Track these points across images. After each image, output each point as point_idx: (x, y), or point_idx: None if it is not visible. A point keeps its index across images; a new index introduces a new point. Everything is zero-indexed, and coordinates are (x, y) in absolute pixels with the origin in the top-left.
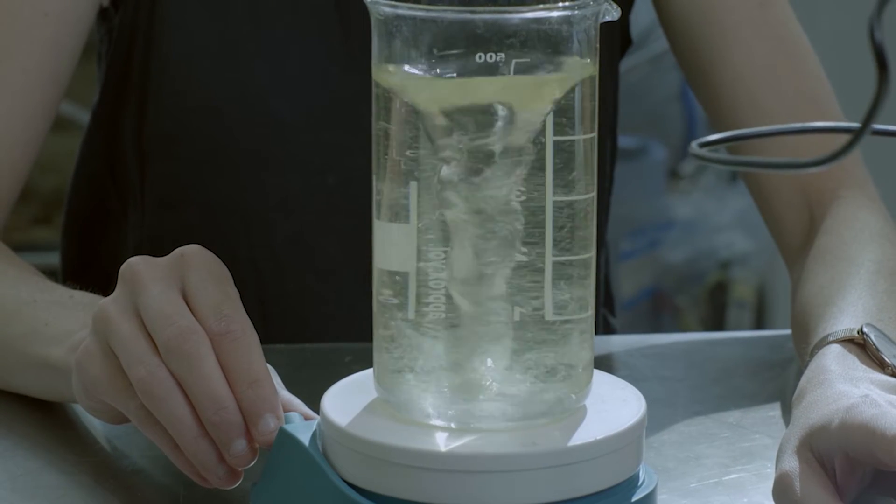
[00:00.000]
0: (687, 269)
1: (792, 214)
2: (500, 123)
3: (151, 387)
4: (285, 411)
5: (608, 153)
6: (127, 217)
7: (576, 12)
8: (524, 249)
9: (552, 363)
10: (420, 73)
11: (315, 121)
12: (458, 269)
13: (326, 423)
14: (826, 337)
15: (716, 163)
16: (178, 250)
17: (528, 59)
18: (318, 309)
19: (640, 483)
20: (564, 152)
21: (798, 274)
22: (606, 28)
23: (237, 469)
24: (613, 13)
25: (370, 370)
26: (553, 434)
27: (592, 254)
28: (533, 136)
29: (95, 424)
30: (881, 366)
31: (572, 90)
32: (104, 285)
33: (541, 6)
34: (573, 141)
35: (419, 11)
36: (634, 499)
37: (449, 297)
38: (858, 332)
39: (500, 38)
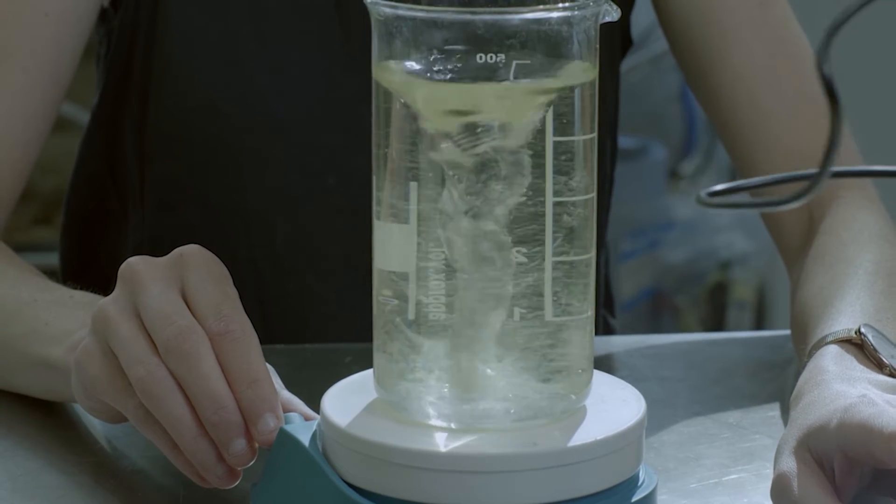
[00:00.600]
0: (687, 270)
1: (791, 215)
2: (500, 125)
3: (150, 386)
4: (286, 411)
5: (608, 154)
6: (126, 217)
7: (575, 13)
8: (524, 250)
9: (552, 363)
10: (420, 73)
11: (315, 121)
12: (458, 269)
13: (326, 423)
14: (824, 337)
15: (715, 206)
16: (177, 250)
17: (529, 60)
18: (318, 309)
19: (639, 483)
20: (564, 153)
21: (797, 274)
22: (607, 28)
23: (236, 469)
24: (613, 14)
25: (370, 371)
26: (553, 434)
27: (592, 254)
28: (533, 136)
29: (95, 425)
30: (879, 366)
31: (572, 91)
32: (104, 285)
33: (541, 7)
34: (573, 141)
35: (419, 12)
36: (634, 499)
37: (448, 297)
38: (856, 333)
39: (500, 38)
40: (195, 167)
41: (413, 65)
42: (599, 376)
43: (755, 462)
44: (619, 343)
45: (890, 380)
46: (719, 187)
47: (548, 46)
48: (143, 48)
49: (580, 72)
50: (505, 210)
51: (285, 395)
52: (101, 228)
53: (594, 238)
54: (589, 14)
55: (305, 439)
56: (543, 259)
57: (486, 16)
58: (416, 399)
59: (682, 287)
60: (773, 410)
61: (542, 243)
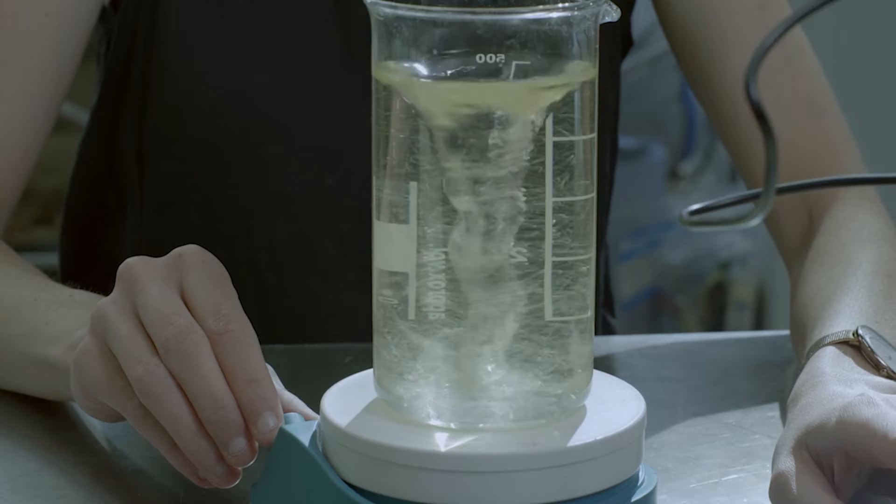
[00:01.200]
0: (687, 270)
1: (791, 215)
2: (499, 125)
3: (150, 386)
4: (286, 411)
5: (608, 154)
6: (126, 217)
7: (575, 13)
8: (524, 250)
9: (552, 363)
10: (420, 74)
11: (315, 121)
12: (457, 269)
13: (326, 423)
14: (822, 339)
15: (697, 225)
16: (176, 250)
17: (528, 61)
18: (318, 309)
19: (639, 483)
20: (564, 153)
21: (797, 274)
22: (608, 29)
23: (236, 468)
24: (613, 14)
25: (370, 371)
26: (553, 434)
27: (592, 254)
28: (533, 137)
29: (95, 425)
30: (876, 368)
31: (572, 91)
32: (103, 285)
33: (540, 7)
34: (573, 142)
35: (419, 12)
36: (634, 499)
37: (449, 297)
38: (854, 335)
39: (499, 39)
40: (194, 167)
41: (413, 65)
42: (599, 376)
43: (755, 462)
44: (618, 343)
45: (887, 381)
46: (698, 206)
47: (547, 47)
48: (143, 48)
49: (580, 72)
50: (504, 209)
51: (286, 395)
52: (100, 228)
53: (594, 238)
54: (589, 14)
55: (305, 439)
56: (543, 259)
57: (485, 16)
58: (416, 399)
59: (681, 287)
60: (773, 410)
61: (542, 243)
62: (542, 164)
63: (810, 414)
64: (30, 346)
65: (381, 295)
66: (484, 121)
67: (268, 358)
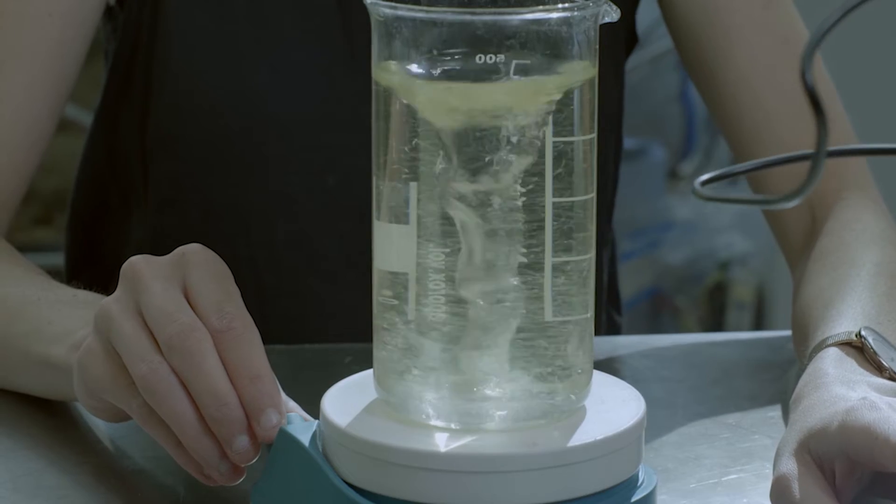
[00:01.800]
0: (686, 270)
1: (794, 215)
2: (499, 126)
3: (153, 384)
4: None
5: (612, 152)
6: (129, 215)
7: (575, 14)
8: (524, 250)
9: (552, 364)
10: (420, 74)
11: (316, 121)
12: (457, 269)
13: (326, 423)
14: (824, 340)
15: (712, 200)
16: (179, 249)
17: (528, 61)
18: (318, 309)
19: (639, 483)
20: (564, 153)
21: (799, 275)
22: (613, 26)
23: (240, 465)
24: (613, 14)
25: (370, 371)
26: (553, 434)
27: (592, 255)
28: (532, 137)
29: (97, 425)
30: (879, 369)
31: (572, 92)
32: (107, 283)
33: (540, 7)
34: (573, 142)
35: (419, 13)
36: (634, 499)
37: (448, 297)
38: (857, 336)
39: (499, 39)
40: (196, 166)
41: (413, 65)
42: (599, 376)
43: (755, 462)
44: (618, 343)
45: (889, 383)
46: (711, 175)
47: (547, 47)
48: (145, 47)
49: (580, 72)
50: (504, 210)
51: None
52: (104, 226)
53: (594, 238)
54: (588, 15)
55: (305, 439)
56: (543, 259)
57: (485, 16)
58: (416, 399)
59: (681, 287)
60: (773, 411)
61: (542, 243)
62: (542, 164)
63: (812, 416)
64: (32, 346)
65: (381, 295)
66: (484, 122)
67: (267, 357)
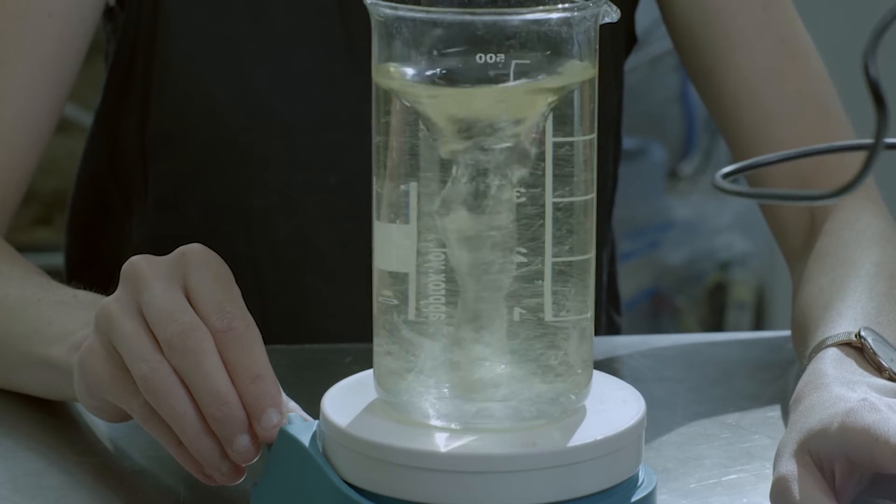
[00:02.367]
0: (686, 270)
1: (794, 215)
2: (499, 127)
3: (154, 383)
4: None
5: (612, 152)
6: (129, 215)
7: (575, 14)
8: (523, 250)
9: (552, 364)
10: (420, 75)
11: (317, 121)
12: (457, 270)
13: (327, 423)
14: (824, 340)
15: (737, 195)
16: (179, 249)
17: (528, 61)
18: (319, 309)
19: (639, 483)
20: (564, 154)
21: (799, 275)
22: (612, 26)
23: (241, 465)
24: (613, 15)
25: (370, 371)
26: (553, 434)
27: (592, 255)
28: (532, 138)
29: (97, 424)
30: (878, 370)
31: (572, 92)
32: (106, 283)
33: (540, 8)
34: (573, 142)
35: (419, 13)
36: (634, 499)
37: (448, 297)
38: (856, 336)
39: (499, 39)
40: (196, 166)
41: (413, 66)
42: (599, 376)
43: (754, 462)
44: (618, 343)
45: (889, 384)
46: (731, 168)
47: (547, 47)
48: (145, 47)
49: (580, 72)
50: (504, 210)
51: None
52: (104, 226)
53: (594, 238)
54: (588, 15)
55: (305, 439)
56: (543, 259)
57: (485, 17)
58: (416, 399)
59: (681, 288)
60: (773, 411)
61: (542, 243)
62: (542, 164)
63: (812, 417)
64: (32, 346)
65: (381, 295)
66: (484, 123)
67: (268, 357)
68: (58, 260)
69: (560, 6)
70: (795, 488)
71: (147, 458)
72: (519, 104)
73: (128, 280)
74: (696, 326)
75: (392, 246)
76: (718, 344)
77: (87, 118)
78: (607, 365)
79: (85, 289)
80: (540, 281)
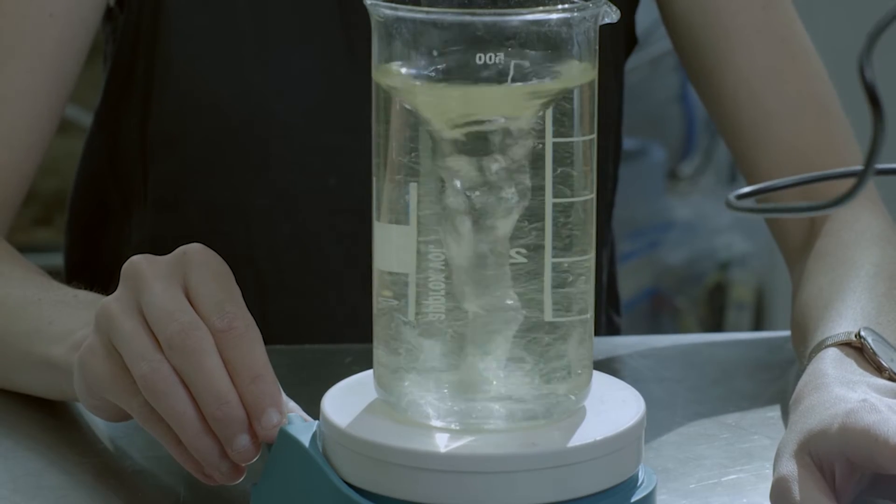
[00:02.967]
0: (686, 271)
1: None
2: (499, 126)
3: (154, 383)
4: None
5: (612, 152)
6: (129, 215)
7: (575, 14)
8: (523, 251)
9: (551, 364)
10: (420, 75)
11: (317, 122)
12: (457, 270)
13: (327, 423)
14: (824, 340)
15: (747, 211)
16: (180, 249)
17: (528, 62)
18: (319, 309)
19: (639, 484)
20: (564, 154)
21: (799, 275)
22: (612, 27)
23: (240, 465)
24: (613, 15)
25: (370, 371)
26: (552, 435)
27: (592, 255)
28: (532, 137)
29: (97, 424)
30: (878, 370)
31: (572, 92)
32: (106, 283)
33: (540, 8)
34: (572, 143)
35: (419, 13)
36: (634, 499)
37: (448, 298)
38: (856, 336)
39: (499, 40)
40: (196, 167)
41: (413, 66)
42: (599, 377)
43: (754, 462)
44: (618, 343)
45: (889, 384)
46: (746, 190)
47: (547, 48)
48: (146, 48)
49: (580, 73)
50: (504, 210)
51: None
52: (103, 226)
53: (594, 239)
54: (588, 15)
55: (305, 440)
56: (543, 260)
57: (485, 17)
58: (416, 399)
59: (681, 288)
60: (773, 411)
61: (542, 244)
62: (542, 164)
63: (812, 418)
64: (33, 346)
65: (381, 296)
66: (483, 123)
67: (268, 357)
68: (58, 260)
69: (560, 7)
70: (795, 489)
71: (147, 458)
72: (519, 105)
73: (128, 279)
74: (695, 327)
75: (392, 246)
76: (718, 344)
77: (87, 118)
78: (607, 365)
79: (85, 289)
80: (540, 281)
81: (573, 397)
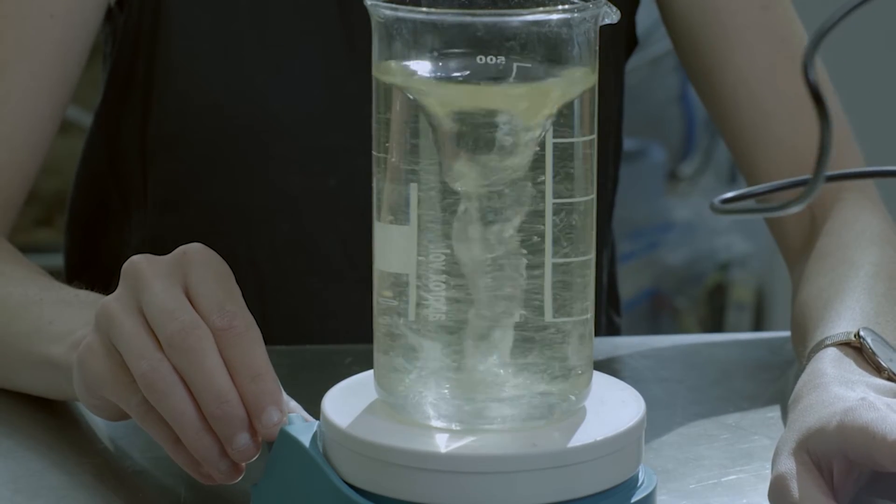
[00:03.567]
0: (686, 271)
1: (793, 216)
2: (499, 128)
3: (154, 381)
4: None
5: (612, 153)
6: (129, 216)
7: (575, 15)
8: (524, 251)
9: (552, 365)
10: (420, 76)
11: (317, 122)
12: (457, 270)
13: (327, 424)
14: (823, 340)
15: (730, 213)
16: (180, 248)
17: (529, 62)
18: (319, 309)
19: (639, 484)
20: (564, 154)
21: (798, 275)
22: (613, 28)
23: (240, 464)
24: (613, 16)
25: (370, 372)
26: (553, 435)
27: (592, 255)
28: (533, 138)
29: (97, 425)
30: (877, 370)
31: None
32: (107, 283)
33: (540, 9)
34: (572, 143)
35: (419, 14)
36: (634, 500)
37: (449, 298)
38: (855, 336)
39: (500, 40)
40: (197, 167)
41: (413, 67)
42: (599, 377)
43: (754, 463)
44: (618, 344)
45: (888, 384)
46: (730, 194)
47: (547, 49)
48: (146, 48)
49: (580, 74)
50: (504, 211)
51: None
52: (103, 227)
53: (594, 239)
54: (588, 16)
55: (306, 440)
56: (543, 260)
57: (485, 18)
58: (416, 400)
59: (681, 288)
60: (772, 411)
61: (542, 244)
62: (542, 165)
63: (811, 416)
64: (33, 345)
65: (382, 296)
66: (484, 123)
67: (269, 357)
68: (58, 261)
69: (560, 7)
70: (794, 486)
71: (147, 458)
72: (519, 105)
73: (128, 279)
74: (695, 327)
75: (392, 247)
76: (718, 344)
77: (87, 118)
78: (607, 365)
79: (86, 290)
80: (540, 281)
81: (573, 398)
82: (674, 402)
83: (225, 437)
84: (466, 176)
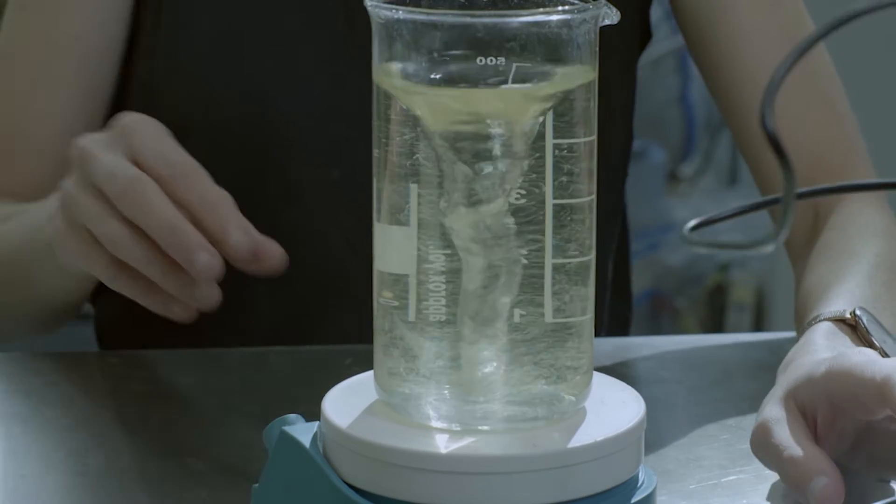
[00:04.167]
0: (686, 272)
1: (797, 213)
2: (499, 129)
3: (114, 239)
4: (260, 254)
5: (621, 148)
6: None
7: (575, 16)
8: (524, 251)
9: (552, 365)
10: (420, 77)
11: (321, 114)
12: (457, 271)
13: (327, 424)
14: (818, 315)
15: (700, 245)
16: (118, 121)
17: (529, 63)
18: (324, 300)
19: (639, 484)
20: (564, 155)
21: (802, 269)
22: (627, 22)
23: (212, 289)
24: (613, 17)
25: (371, 372)
26: (553, 436)
27: (592, 256)
28: (532, 139)
29: (98, 425)
30: (870, 348)
31: (572, 94)
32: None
33: (540, 10)
34: (573, 144)
35: (419, 15)
36: (634, 500)
37: (449, 299)
38: (851, 314)
39: (500, 41)
40: (200, 160)
41: (413, 68)
42: (599, 378)
43: (754, 463)
44: (619, 344)
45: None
46: (698, 220)
47: (547, 49)
48: (149, 40)
49: (580, 75)
50: (504, 212)
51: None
52: None
53: (594, 240)
54: (588, 17)
55: (306, 440)
56: (543, 261)
57: (485, 19)
58: (417, 400)
59: (681, 289)
60: None
61: (542, 245)
62: (543, 166)
63: (800, 371)
64: (37, 237)
65: (382, 296)
66: (483, 124)
67: (269, 359)
68: None
69: (560, 8)
70: (775, 430)
71: (147, 458)
72: (519, 106)
73: (76, 160)
74: (695, 328)
75: (392, 247)
76: (718, 345)
77: None
78: (607, 366)
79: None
80: (540, 282)
81: (573, 398)
82: (674, 403)
83: (186, 262)
84: (465, 178)
